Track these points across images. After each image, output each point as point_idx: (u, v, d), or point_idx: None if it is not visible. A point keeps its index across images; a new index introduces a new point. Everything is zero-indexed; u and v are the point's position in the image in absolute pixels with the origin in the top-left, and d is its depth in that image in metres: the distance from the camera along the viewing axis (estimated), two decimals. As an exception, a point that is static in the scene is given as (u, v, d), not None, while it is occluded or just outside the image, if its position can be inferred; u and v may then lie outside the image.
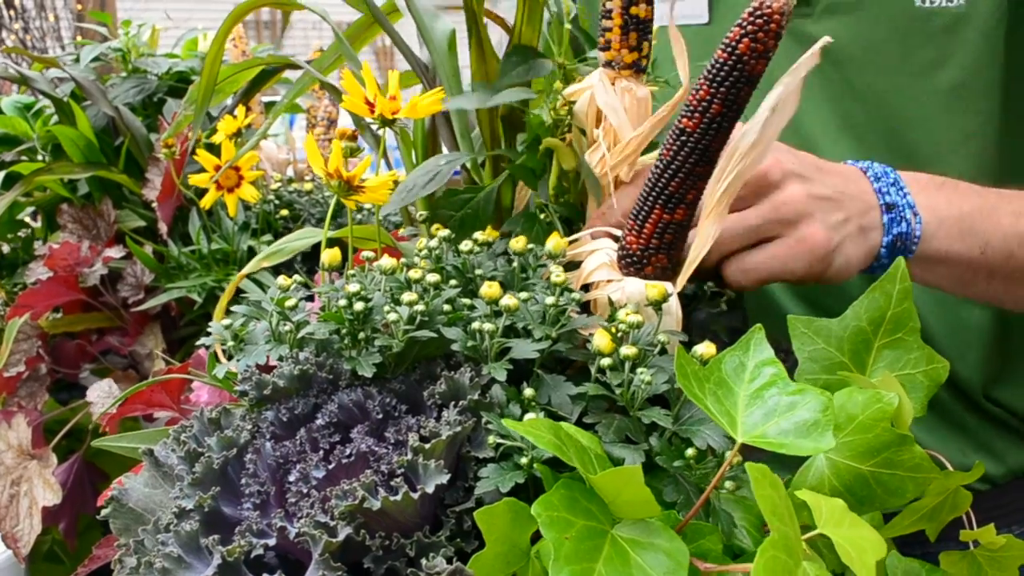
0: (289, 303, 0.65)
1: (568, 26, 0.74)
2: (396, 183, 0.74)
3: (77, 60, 1.38)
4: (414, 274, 0.65)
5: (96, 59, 1.38)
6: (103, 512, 0.60)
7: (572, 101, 0.73)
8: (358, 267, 0.71)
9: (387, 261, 0.67)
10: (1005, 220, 0.77)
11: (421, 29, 0.78)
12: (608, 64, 0.72)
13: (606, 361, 0.58)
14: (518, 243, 0.68)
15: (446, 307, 0.64)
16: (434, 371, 0.63)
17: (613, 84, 0.72)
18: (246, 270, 0.81)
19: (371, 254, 0.71)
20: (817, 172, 0.72)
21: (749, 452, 0.53)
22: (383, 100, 0.71)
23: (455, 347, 0.61)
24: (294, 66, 0.92)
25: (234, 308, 0.70)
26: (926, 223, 0.74)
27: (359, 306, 0.62)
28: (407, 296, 0.62)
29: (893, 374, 0.62)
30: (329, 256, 0.69)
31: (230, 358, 0.69)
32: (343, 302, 0.63)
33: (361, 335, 0.63)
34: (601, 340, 0.59)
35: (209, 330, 0.70)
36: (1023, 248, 0.77)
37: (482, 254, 0.71)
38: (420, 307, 0.61)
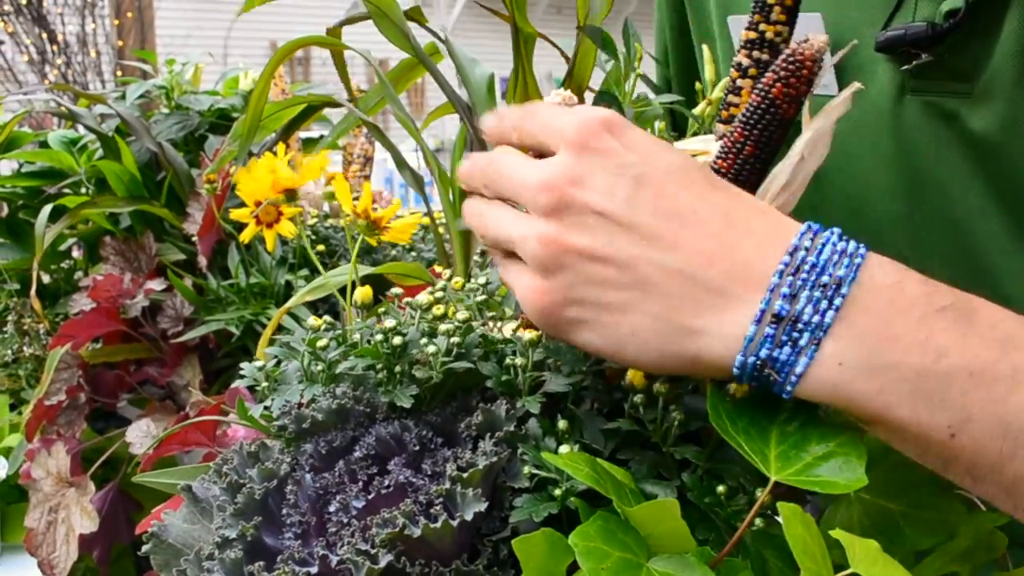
0: (320, 343, 0.67)
1: (639, 71, 0.75)
2: (420, 225, 0.76)
3: (123, 97, 1.42)
4: (437, 310, 0.67)
5: (141, 96, 1.42)
6: (144, 548, 0.62)
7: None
8: (388, 303, 0.73)
9: (423, 297, 0.68)
10: (1018, 399, 0.45)
11: (461, 73, 0.81)
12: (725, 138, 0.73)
13: (639, 397, 0.59)
14: None
15: (479, 340, 0.65)
16: (470, 404, 0.64)
17: None
18: (288, 305, 0.83)
19: (399, 290, 0.72)
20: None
21: (779, 489, 0.53)
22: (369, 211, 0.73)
23: (489, 383, 0.63)
24: (335, 104, 0.94)
25: (266, 350, 0.71)
26: (837, 359, 0.47)
27: (396, 340, 0.64)
28: (444, 327, 0.64)
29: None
30: (361, 294, 0.71)
31: (261, 401, 0.70)
32: (379, 337, 0.64)
33: (397, 368, 0.64)
34: (633, 376, 0.60)
35: (242, 373, 0.71)
36: None
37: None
38: (456, 339, 0.63)
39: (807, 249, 0.48)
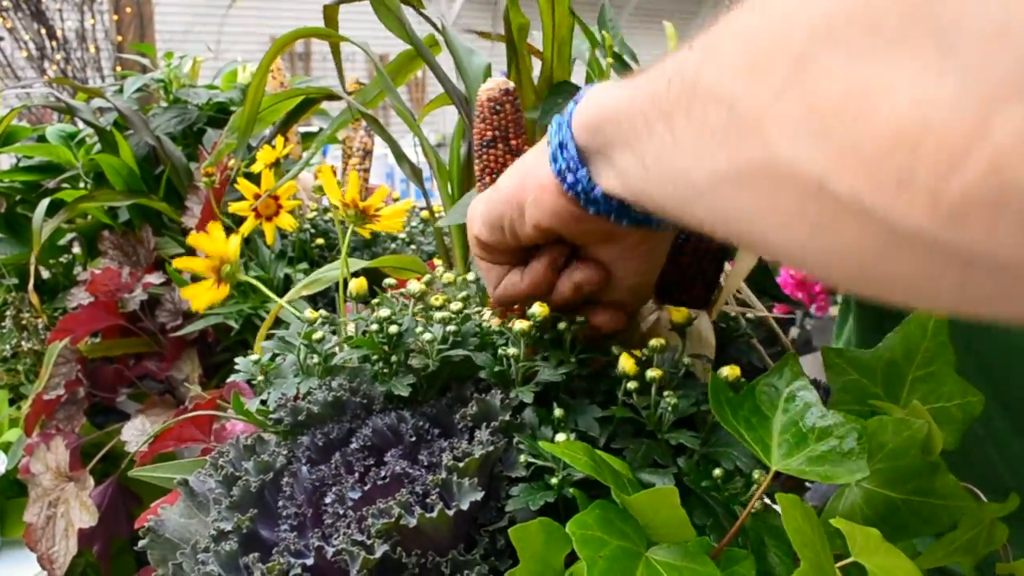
0: (316, 336, 0.66)
1: (611, 60, 0.75)
2: (409, 212, 0.76)
3: (121, 91, 1.41)
4: (435, 300, 0.66)
5: (138, 90, 1.41)
6: (141, 543, 0.62)
7: None
8: (383, 294, 0.73)
9: (414, 286, 0.68)
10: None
11: (458, 63, 0.80)
12: None
13: (632, 384, 0.59)
14: None
15: (476, 329, 0.65)
16: (465, 394, 0.64)
17: None
18: (286, 299, 0.83)
19: (392, 281, 0.72)
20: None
21: (779, 477, 0.53)
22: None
23: (483, 374, 0.62)
24: (334, 97, 0.94)
25: (263, 344, 0.71)
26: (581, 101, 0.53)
27: (392, 329, 0.63)
28: (439, 315, 0.63)
29: (927, 407, 0.62)
30: (356, 285, 0.71)
31: (259, 395, 0.70)
32: (374, 327, 0.64)
33: (393, 359, 0.64)
34: (625, 363, 0.59)
35: (237, 367, 0.71)
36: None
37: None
38: (452, 328, 0.63)
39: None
